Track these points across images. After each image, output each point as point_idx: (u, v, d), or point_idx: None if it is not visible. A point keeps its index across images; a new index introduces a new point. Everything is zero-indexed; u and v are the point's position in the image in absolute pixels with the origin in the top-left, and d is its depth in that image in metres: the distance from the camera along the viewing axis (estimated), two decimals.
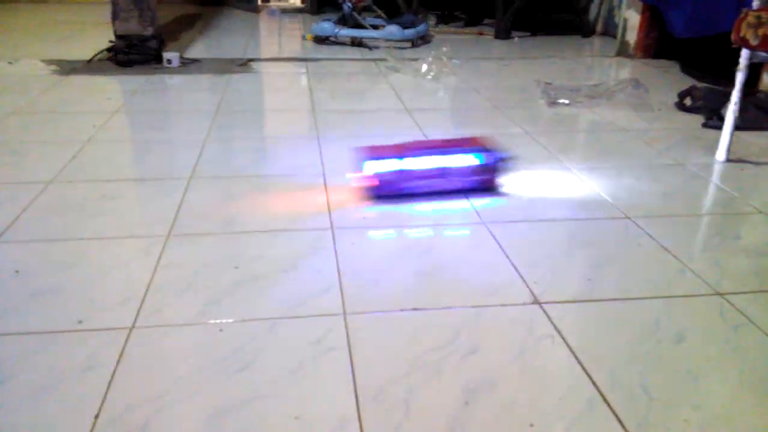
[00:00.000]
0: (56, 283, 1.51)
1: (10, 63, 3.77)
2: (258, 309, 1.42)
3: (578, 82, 3.56)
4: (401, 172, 1.97)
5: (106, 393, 1.16)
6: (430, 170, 1.98)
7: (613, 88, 3.22)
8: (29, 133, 2.56)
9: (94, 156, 2.33)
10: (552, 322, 1.39)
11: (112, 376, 1.20)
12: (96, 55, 3.85)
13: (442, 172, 1.99)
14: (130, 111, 2.91)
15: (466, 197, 2.00)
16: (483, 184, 2.04)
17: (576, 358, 1.28)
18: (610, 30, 5.03)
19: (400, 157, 1.97)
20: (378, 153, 1.98)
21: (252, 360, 1.25)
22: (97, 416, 1.10)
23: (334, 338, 1.32)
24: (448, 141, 2.14)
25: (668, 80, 3.71)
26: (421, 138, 2.15)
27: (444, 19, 5.72)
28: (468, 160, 2.00)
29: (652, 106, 3.10)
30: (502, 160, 2.03)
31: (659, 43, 4.27)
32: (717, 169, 2.34)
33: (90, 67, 3.72)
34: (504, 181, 2.07)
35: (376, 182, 1.96)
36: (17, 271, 1.55)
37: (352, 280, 1.54)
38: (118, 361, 1.24)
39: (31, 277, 1.53)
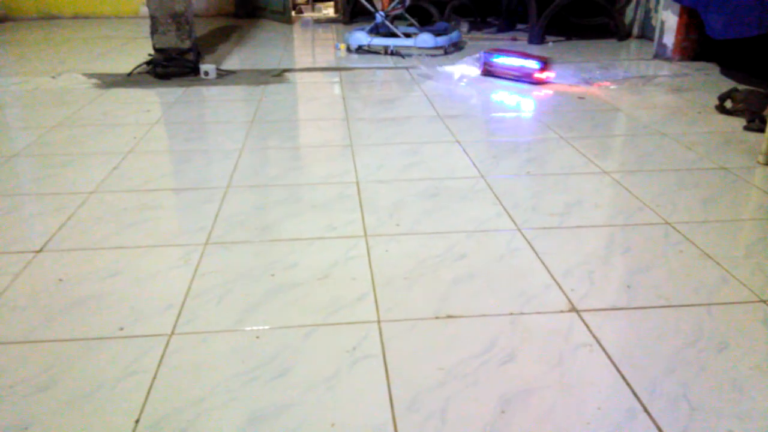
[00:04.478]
0: (98, 291, 1.55)
1: (53, 77, 3.89)
2: (294, 316, 1.44)
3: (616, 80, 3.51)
4: (500, 65, 3.76)
5: (146, 398, 1.18)
6: (514, 66, 3.71)
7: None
8: (72, 145, 2.64)
9: (134, 166, 2.38)
10: (589, 330, 1.37)
11: (152, 382, 1.23)
12: (136, 68, 3.95)
13: (520, 68, 3.68)
14: (168, 122, 2.98)
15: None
16: (536, 79, 3.64)
17: (615, 367, 1.26)
18: (647, 33, 4.94)
19: (503, 55, 3.75)
20: (494, 51, 3.82)
21: (288, 367, 1.27)
22: (137, 421, 1.13)
23: (368, 345, 1.33)
24: (526, 53, 3.78)
25: (708, 83, 3.63)
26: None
27: (477, 26, 5.71)
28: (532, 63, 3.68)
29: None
30: (547, 63, 3.63)
31: (698, 45, 4.18)
32: (759, 172, 2.28)
33: (130, 80, 3.82)
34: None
35: (486, 68, 3.80)
36: (60, 280, 1.60)
37: (385, 290, 1.54)
38: (158, 367, 1.27)
39: (73, 285, 1.58)
